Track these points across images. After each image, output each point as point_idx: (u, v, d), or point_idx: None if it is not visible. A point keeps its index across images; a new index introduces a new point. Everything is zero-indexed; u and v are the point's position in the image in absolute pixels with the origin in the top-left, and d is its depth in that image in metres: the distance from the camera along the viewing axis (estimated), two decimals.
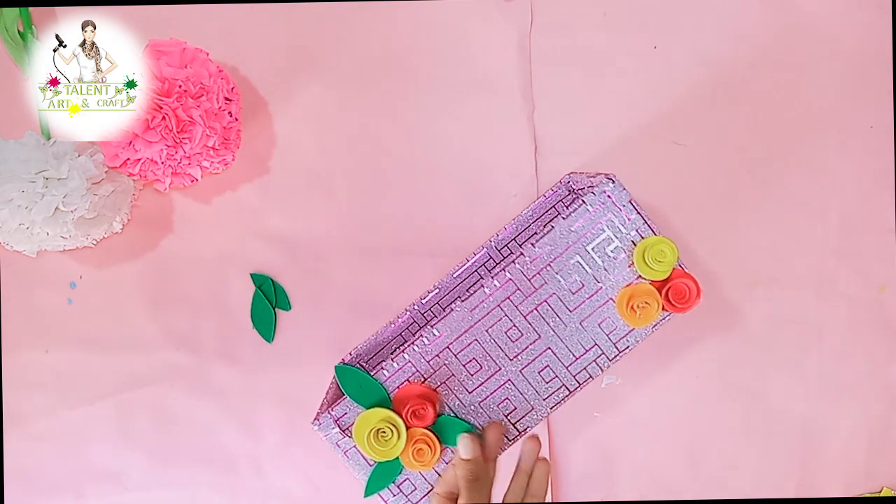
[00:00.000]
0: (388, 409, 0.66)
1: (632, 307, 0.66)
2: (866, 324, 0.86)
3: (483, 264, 0.81)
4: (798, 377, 0.86)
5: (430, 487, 0.68)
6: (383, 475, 0.67)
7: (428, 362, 0.67)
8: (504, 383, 0.68)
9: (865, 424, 0.86)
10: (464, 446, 0.65)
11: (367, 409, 0.66)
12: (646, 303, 0.66)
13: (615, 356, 0.68)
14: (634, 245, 0.66)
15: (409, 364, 0.67)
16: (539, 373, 0.68)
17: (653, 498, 0.87)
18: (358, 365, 0.80)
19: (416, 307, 0.81)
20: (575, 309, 0.67)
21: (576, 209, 0.66)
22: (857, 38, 0.86)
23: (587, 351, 0.68)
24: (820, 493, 0.86)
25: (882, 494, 0.86)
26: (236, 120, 0.81)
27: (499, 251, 0.81)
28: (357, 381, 0.66)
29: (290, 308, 0.87)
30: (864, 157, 0.86)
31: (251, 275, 0.87)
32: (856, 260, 0.86)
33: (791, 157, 0.86)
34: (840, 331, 0.86)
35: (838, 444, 0.86)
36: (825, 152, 0.86)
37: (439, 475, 0.68)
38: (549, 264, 0.66)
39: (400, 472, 0.68)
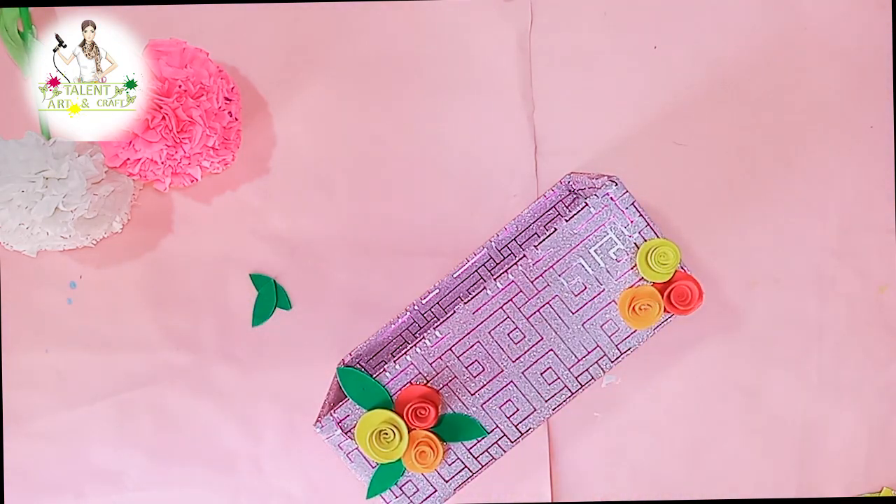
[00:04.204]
0: (391, 410, 0.66)
1: (634, 309, 0.66)
2: (866, 324, 0.86)
3: (483, 264, 0.81)
4: (798, 377, 0.87)
5: (432, 490, 0.68)
6: (386, 477, 0.67)
7: (430, 364, 0.67)
8: (506, 385, 0.68)
9: (865, 424, 0.86)
10: None
11: (370, 410, 0.66)
12: (648, 305, 0.66)
13: (617, 358, 0.68)
14: (637, 247, 0.66)
15: (412, 366, 0.67)
16: (541, 374, 0.68)
17: (653, 498, 0.87)
18: (358, 365, 0.80)
19: (416, 307, 0.81)
20: (577, 311, 0.67)
21: (578, 211, 0.66)
22: (857, 38, 0.87)
23: (589, 352, 0.68)
24: (820, 493, 0.87)
25: (882, 494, 0.86)
26: (236, 120, 0.81)
27: (499, 251, 0.81)
28: (359, 383, 0.66)
29: (291, 307, 0.87)
30: (864, 157, 0.87)
31: (250, 276, 0.87)
32: (856, 260, 0.86)
33: (791, 157, 0.86)
34: (840, 331, 0.86)
35: (838, 444, 0.86)
36: (825, 152, 0.86)
37: (441, 476, 0.68)
38: (551, 266, 0.66)
39: (402, 474, 0.68)
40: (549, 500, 0.86)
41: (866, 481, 0.87)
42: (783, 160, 0.86)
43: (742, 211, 0.86)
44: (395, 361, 0.67)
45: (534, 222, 0.81)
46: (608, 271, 0.67)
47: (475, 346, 0.67)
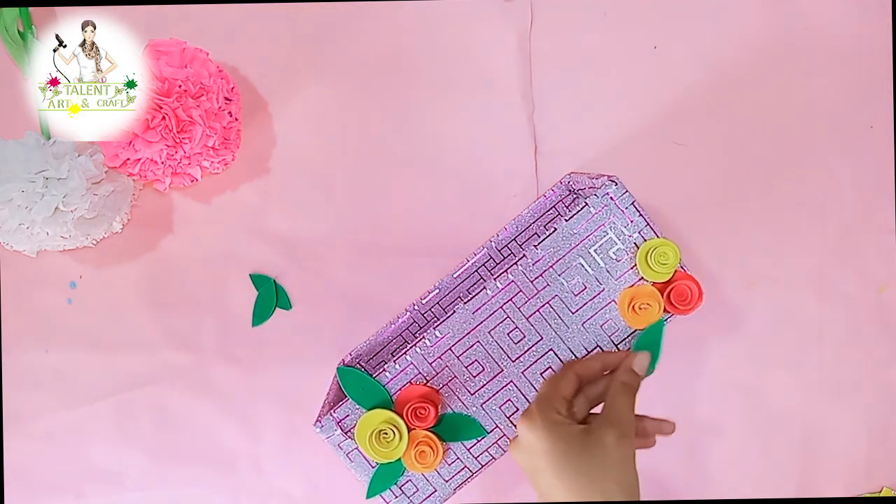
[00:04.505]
0: (390, 410, 0.66)
1: (634, 309, 0.66)
2: (866, 324, 0.86)
3: (483, 264, 0.81)
4: (798, 377, 0.87)
5: (432, 489, 0.68)
6: (385, 477, 0.67)
7: (430, 364, 0.67)
8: (506, 385, 0.68)
9: (865, 424, 0.86)
10: (642, 364, 0.64)
11: (369, 410, 0.66)
12: (648, 304, 0.66)
13: None
14: (637, 247, 0.66)
15: (412, 366, 0.67)
16: (541, 374, 0.68)
17: (653, 498, 0.87)
18: (358, 365, 0.80)
19: (416, 307, 0.81)
20: (577, 311, 0.67)
21: (578, 211, 0.66)
22: (857, 38, 0.86)
23: (589, 352, 0.68)
24: (820, 493, 0.86)
25: (882, 494, 0.86)
26: (236, 120, 0.81)
27: (499, 251, 0.81)
28: (359, 383, 0.66)
29: (291, 307, 0.87)
30: (864, 157, 0.86)
31: (250, 276, 0.87)
32: (856, 260, 0.86)
33: (791, 157, 0.86)
34: (840, 331, 0.86)
35: (838, 444, 0.86)
36: (825, 153, 0.86)
37: (441, 476, 0.68)
38: (551, 266, 0.66)
39: (402, 474, 0.68)
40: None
41: (866, 481, 0.87)
42: (783, 160, 0.86)
43: (742, 211, 0.86)
44: (394, 361, 0.67)
45: (534, 222, 0.81)
46: (608, 271, 0.67)
47: (475, 346, 0.67)
